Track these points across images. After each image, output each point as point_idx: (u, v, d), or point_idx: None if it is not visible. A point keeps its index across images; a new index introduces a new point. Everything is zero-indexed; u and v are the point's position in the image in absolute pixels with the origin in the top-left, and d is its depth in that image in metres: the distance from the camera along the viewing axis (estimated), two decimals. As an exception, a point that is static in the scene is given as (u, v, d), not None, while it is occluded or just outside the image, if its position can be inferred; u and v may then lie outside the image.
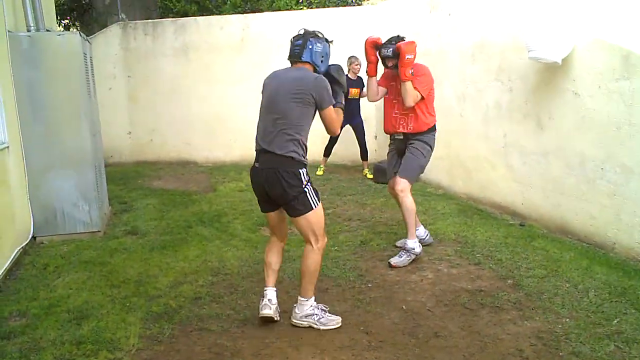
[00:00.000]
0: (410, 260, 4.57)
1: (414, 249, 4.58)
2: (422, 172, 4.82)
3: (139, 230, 5.82)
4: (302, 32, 3.37)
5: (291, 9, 10.73)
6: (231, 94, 9.52)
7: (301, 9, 10.88)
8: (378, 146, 9.05)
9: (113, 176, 8.81)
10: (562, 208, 5.13)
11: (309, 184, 3.26)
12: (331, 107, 3.26)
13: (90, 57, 6.20)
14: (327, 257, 4.58)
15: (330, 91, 3.25)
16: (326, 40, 3.39)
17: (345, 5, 9.59)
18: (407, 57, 4.29)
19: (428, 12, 7.15)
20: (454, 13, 6.60)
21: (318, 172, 8.42)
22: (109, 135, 9.73)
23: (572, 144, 4.94)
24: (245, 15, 9.46)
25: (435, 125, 4.69)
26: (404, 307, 3.82)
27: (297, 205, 3.25)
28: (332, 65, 3.47)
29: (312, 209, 3.27)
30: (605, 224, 4.65)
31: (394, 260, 4.55)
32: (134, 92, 9.92)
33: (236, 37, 9.40)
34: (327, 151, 8.40)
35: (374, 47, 4.56)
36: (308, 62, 3.31)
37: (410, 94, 4.40)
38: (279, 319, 3.55)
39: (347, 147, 8.65)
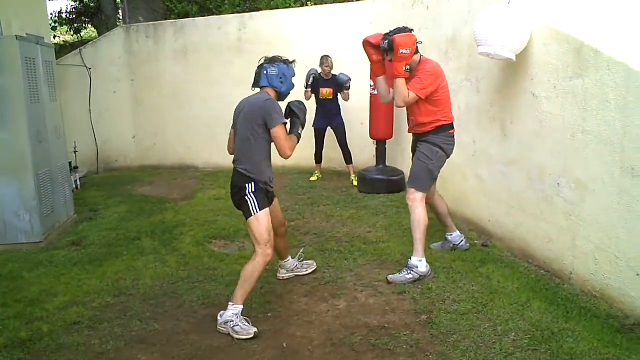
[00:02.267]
0: (412, 279, 4.08)
1: (416, 267, 4.11)
2: (433, 177, 4.32)
3: (84, 241, 5.60)
4: (261, 60, 3.70)
5: (289, 6, 10.27)
6: (230, 95, 9.09)
7: (299, 6, 10.39)
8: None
9: (106, 181, 8.76)
10: (522, 227, 4.42)
11: (251, 194, 3.57)
12: (279, 126, 3.50)
13: (49, 61, 6.00)
14: None
15: (279, 112, 3.52)
16: (284, 61, 3.68)
17: (343, 2, 8.99)
18: (401, 51, 3.92)
19: (411, 5, 6.50)
20: (431, 5, 5.94)
21: (311, 178, 7.96)
22: (114, 138, 9.74)
23: (532, 153, 4.24)
24: (241, 14, 9.11)
25: (447, 124, 4.24)
26: (284, 344, 3.32)
27: (242, 209, 3.63)
28: (295, 101, 3.84)
29: (251, 214, 3.55)
30: (563, 250, 3.93)
31: (391, 276, 4.13)
32: (137, 95, 9.81)
33: (233, 36, 9.08)
34: (316, 157, 7.91)
35: (371, 45, 4.23)
36: (267, 86, 3.64)
37: (400, 93, 4.07)
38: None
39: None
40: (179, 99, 9.54)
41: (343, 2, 8.82)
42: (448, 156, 4.29)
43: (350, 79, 7.25)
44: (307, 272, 4.39)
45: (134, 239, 5.58)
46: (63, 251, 5.26)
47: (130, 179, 8.91)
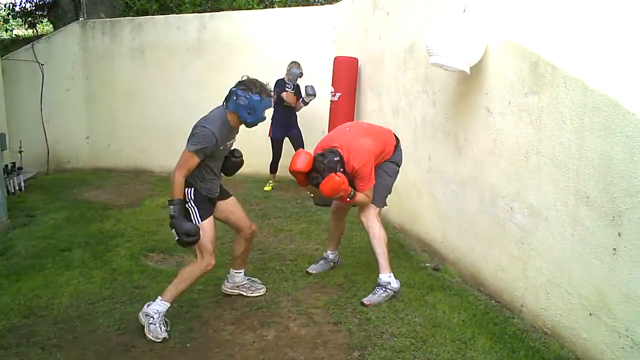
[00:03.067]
0: (388, 297, 3.86)
1: (389, 283, 3.89)
2: (388, 193, 4.13)
3: (9, 251, 5.15)
4: (244, 78, 3.47)
5: (252, 8, 9.89)
6: (187, 98, 8.76)
7: (262, 8, 10.03)
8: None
9: (53, 183, 8.29)
10: (475, 253, 4.11)
11: (192, 202, 3.42)
12: (187, 152, 3.33)
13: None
14: (179, 299, 3.75)
15: (197, 141, 3.32)
16: (259, 92, 3.38)
17: (307, 5, 8.66)
18: (336, 195, 3.78)
19: (372, 11, 6.19)
20: (391, 11, 5.63)
21: (266, 188, 7.59)
22: (67, 139, 9.29)
23: (485, 173, 3.93)
24: (202, 14, 8.72)
25: (396, 146, 4.16)
26: (197, 384, 2.93)
27: (187, 218, 3.40)
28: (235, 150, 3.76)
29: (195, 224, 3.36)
30: (514, 280, 3.62)
31: (367, 299, 3.84)
32: (92, 94, 9.37)
33: (192, 37, 8.68)
34: (272, 167, 7.54)
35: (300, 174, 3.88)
36: (232, 111, 3.40)
37: (365, 203, 3.97)
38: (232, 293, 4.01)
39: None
40: (135, 100, 9.11)
41: (307, 6, 8.46)
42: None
43: (315, 95, 6.92)
44: (252, 295, 4.03)
45: (64, 250, 5.16)
46: (-18, 262, 4.81)
47: (79, 182, 8.45)
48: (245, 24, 8.44)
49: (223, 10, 9.75)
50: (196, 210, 3.43)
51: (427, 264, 4.57)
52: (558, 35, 3.11)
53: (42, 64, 9.10)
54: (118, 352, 3.28)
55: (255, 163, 7.93)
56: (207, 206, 3.52)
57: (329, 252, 4.51)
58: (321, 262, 4.49)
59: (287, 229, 5.74)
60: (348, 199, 3.80)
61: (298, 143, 7.27)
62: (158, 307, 3.39)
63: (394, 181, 4.13)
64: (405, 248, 5.06)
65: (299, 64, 7.08)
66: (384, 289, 3.86)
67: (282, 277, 4.40)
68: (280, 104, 7.08)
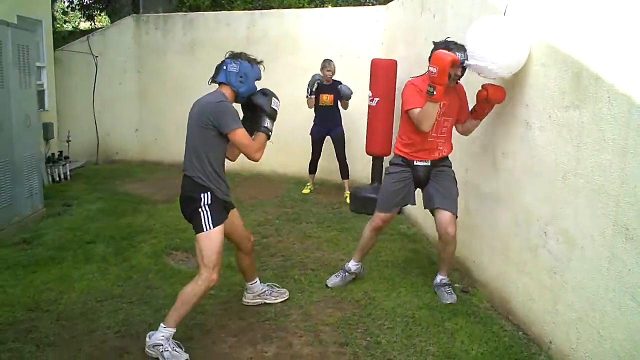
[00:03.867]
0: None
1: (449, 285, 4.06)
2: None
3: (36, 240, 5.20)
4: (227, 54, 3.29)
5: (303, 6, 9.71)
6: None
7: (313, 7, 9.82)
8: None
9: (98, 174, 8.41)
10: (505, 277, 3.76)
11: (207, 206, 3.14)
12: (238, 130, 3.10)
13: (24, 45, 5.62)
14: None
15: (234, 116, 3.11)
16: (249, 60, 3.26)
17: (358, 5, 8.39)
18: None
19: (419, 13, 5.87)
20: (437, 13, 5.31)
21: (304, 191, 7.40)
22: (117, 131, 9.43)
23: (521, 192, 3.59)
24: (252, 11, 8.62)
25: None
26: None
27: (194, 223, 3.18)
28: (260, 90, 3.35)
29: (203, 230, 3.12)
30: (543, 313, 3.27)
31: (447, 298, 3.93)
32: (143, 88, 9.45)
33: (241, 34, 8.59)
34: (311, 166, 7.34)
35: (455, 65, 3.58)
36: (224, 83, 3.21)
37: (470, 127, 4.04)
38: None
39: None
40: (184, 95, 9.00)
41: (357, 5, 8.19)
42: None
43: (352, 93, 6.66)
44: (276, 301, 3.89)
45: (89, 243, 5.15)
46: (6, 250, 4.86)
47: (123, 174, 8.53)
48: (295, 22, 8.28)
49: (273, 8, 9.61)
50: (209, 214, 3.14)
51: (456, 285, 4.24)
52: (604, 43, 2.75)
53: (97, 56, 9.26)
54: (111, 356, 3.16)
55: (299, 164, 7.80)
56: (221, 212, 3.24)
57: (352, 262, 4.26)
58: (340, 274, 4.23)
59: (315, 236, 5.52)
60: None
61: (338, 144, 7.04)
62: (162, 334, 3.09)
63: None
64: (435, 265, 4.73)
65: (326, 63, 6.80)
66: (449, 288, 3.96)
67: (299, 287, 4.19)
68: (317, 103, 6.89)
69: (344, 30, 7.97)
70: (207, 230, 3.11)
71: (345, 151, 7.10)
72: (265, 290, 3.86)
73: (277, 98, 3.35)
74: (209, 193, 3.15)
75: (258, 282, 3.84)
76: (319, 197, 7.21)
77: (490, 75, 3.53)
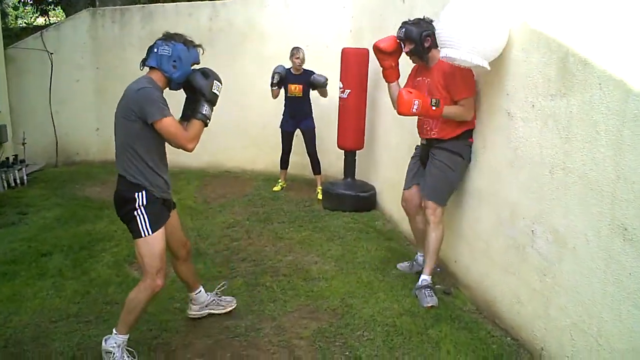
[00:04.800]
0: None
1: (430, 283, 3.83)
2: (452, 191, 3.84)
3: (-13, 254, 4.78)
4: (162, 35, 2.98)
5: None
6: (198, 90, 8.30)
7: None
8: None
9: (57, 177, 7.97)
10: (490, 279, 3.54)
11: (142, 208, 2.84)
12: (164, 120, 2.77)
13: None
14: (150, 320, 3.44)
15: (157, 103, 2.77)
16: (185, 42, 2.94)
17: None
18: (412, 111, 3.60)
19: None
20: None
21: (275, 188, 7.08)
22: (76, 130, 8.98)
23: (504, 187, 3.36)
24: (214, 1, 8.23)
25: (470, 130, 3.71)
26: None
27: (130, 227, 2.91)
28: (198, 70, 2.97)
29: (140, 236, 2.85)
30: (534, 317, 3.05)
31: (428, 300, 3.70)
32: (102, 84, 8.97)
33: (203, 25, 8.22)
34: (282, 162, 7.03)
35: (380, 51, 3.95)
36: (155, 68, 2.91)
37: (460, 114, 3.63)
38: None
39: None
40: (145, 91, 8.70)
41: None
42: (467, 165, 3.78)
43: (327, 80, 6.37)
44: (224, 311, 3.60)
45: (45, 255, 4.78)
46: (-50, 268, 4.45)
47: (84, 176, 8.10)
48: (259, 11, 7.93)
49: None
50: (145, 217, 2.85)
51: (437, 286, 4.00)
52: (592, 24, 2.51)
53: (51, 53, 8.76)
54: (63, 388, 2.84)
55: (269, 159, 7.49)
56: (160, 212, 2.95)
57: (419, 254, 4.25)
58: (408, 264, 4.29)
59: (287, 237, 5.23)
60: (432, 107, 3.48)
61: (308, 139, 6.75)
62: (114, 340, 2.93)
63: (459, 177, 3.81)
64: (414, 264, 4.50)
65: (295, 50, 6.54)
66: (429, 290, 3.76)
67: (271, 296, 3.91)
68: (285, 94, 6.63)
69: (310, 19, 7.66)
70: (144, 235, 2.86)
71: (316, 145, 6.79)
72: (212, 300, 3.57)
73: (219, 80, 2.98)
74: (143, 192, 2.86)
75: (202, 291, 3.51)
76: (291, 194, 6.92)
77: (465, 64, 3.27)
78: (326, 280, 4.16)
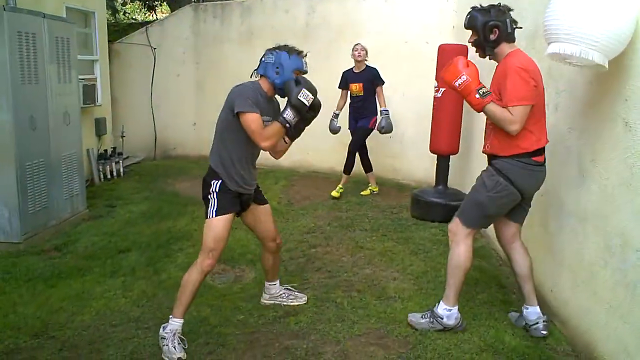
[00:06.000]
0: (434, 329, 3.28)
1: (442, 317, 3.27)
2: (485, 213, 3.19)
3: (68, 247, 4.92)
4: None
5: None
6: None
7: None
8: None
9: (152, 171, 8.15)
10: (591, 317, 2.99)
11: (215, 194, 3.10)
12: (248, 114, 2.94)
13: (63, 37, 5.30)
14: (208, 332, 3.30)
15: (246, 99, 2.98)
16: (288, 50, 3.10)
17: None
18: (453, 83, 3.09)
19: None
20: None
21: (362, 193, 6.72)
22: (175, 125, 9.18)
23: (615, 211, 2.80)
24: (310, -3, 8.02)
25: (527, 153, 3.04)
26: None
27: (205, 207, 3.16)
28: (296, 77, 3.08)
29: (206, 217, 3.11)
30: (645, 373, 2.48)
31: (411, 317, 3.41)
32: (201, 80, 9.08)
33: (301, 21, 8.03)
34: (362, 165, 6.66)
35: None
36: (262, 75, 3.14)
37: (502, 119, 2.98)
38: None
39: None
40: (241, 87, 8.68)
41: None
42: (524, 192, 3.13)
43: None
44: (292, 304, 3.72)
45: (122, 251, 4.79)
46: (34, 258, 4.55)
47: (178, 171, 8.21)
48: (356, 6, 7.62)
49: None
50: (215, 203, 3.08)
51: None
52: None
53: (155, 48, 8.98)
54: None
55: (359, 162, 7.16)
56: (229, 202, 3.13)
57: (524, 307, 3.38)
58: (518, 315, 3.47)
59: (368, 247, 4.88)
60: (477, 94, 2.98)
61: (355, 135, 6.45)
62: (170, 327, 3.09)
63: (503, 204, 3.15)
64: (506, 289, 3.99)
65: (354, 47, 6.33)
66: (432, 320, 3.30)
67: (340, 315, 3.58)
68: (350, 94, 6.47)
69: (410, 14, 7.23)
70: (209, 217, 3.09)
71: (364, 145, 6.56)
72: (282, 293, 3.75)
73: (310, 90, 3.02)
74: (220, 181, 3.11)
75: (277, 284, 3.75)
76: (378, 199, 6.55)
77: (579, 62, 2.75)
78: (402, 301, 3.76)
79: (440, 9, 6.98)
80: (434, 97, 5.61)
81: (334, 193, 6.48)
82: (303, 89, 2.98)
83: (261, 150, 3.18)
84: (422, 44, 7.01)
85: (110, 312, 3.63)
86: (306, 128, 3.28)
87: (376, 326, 3.43)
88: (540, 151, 3.06)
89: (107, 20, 8.84)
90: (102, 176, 7.34)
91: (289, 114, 3.03)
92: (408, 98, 7.10)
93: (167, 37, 9.08)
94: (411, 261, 4.51)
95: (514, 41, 3.08)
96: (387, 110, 6.21)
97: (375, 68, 6.26)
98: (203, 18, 8.92)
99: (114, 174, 7.58)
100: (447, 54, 5.45)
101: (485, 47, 3.10)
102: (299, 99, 2.98)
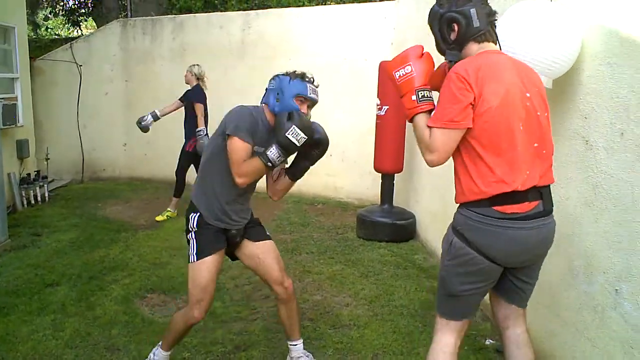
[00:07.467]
0: None
1: None
2: (445, 292, 2.26)
3: (-13, 282, 4.39)
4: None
5: (303, 5, 8.89)
6: (230, 105, 7.81)
7: (314, 5, 9.00)
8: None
9: (80, 194, 7.66)
10: (557, 341, 2.93)
11: (193, 232, 2.75)
12: (235, 139, 2.58)
13: None
14: None
15: (238, 123, 2.62)
16: (291, 74, 2.69)
17: (363, 2, 7.58)
18: (393, 73, 2.34)
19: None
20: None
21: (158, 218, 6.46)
22: (104, 146, 8.71)
23: (578, 232, 2.73)
24: (247, 12, 7.82)
25: (484, 200, 2.08)
26: None
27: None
28: (289, 112, 2.63)
29: (189, 261, 2.75)
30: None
31: None
32: (131, 98, 8.67)
33: (236, 38, 7.81)
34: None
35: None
36: (265, 103, 2.74)
37: (420, 141, 2.20)
38: None
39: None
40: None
41: (363, 2, 7.38)
42: (492, 257, 2.11)
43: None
44: None
45: (50, 285, 4.39)
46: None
47: (108, 194, 7.75)
48: (294, 22, 7.49)
49: (270, 7, 8.82)
50: (194, 243, 2.73)
51: (488, 342, 3.40)
52: None
53: (80, 65, 8.50)
54: None
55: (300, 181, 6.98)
56: (210, 240, 2.74)
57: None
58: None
59: (316, 271, 4.69)
60: (413, 97, 2.19)
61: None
62: (157, 356, 2.95)
63: (465, 276, 2.18)
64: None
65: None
66: None
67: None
68: None
69: (349, 30, 7.16)
70: (190, 261, 2.74)
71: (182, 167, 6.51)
72: (300, 358, 3.05)
73: (303, 130, 2.56)
74: (197, 214, 2.75)
75: (299, 345, 3.05)
76: (322, 220, 6.39)
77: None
78: (358, 329, 3.59)
79: (379, 26, 6.95)
80: (377, 115, 5.52)
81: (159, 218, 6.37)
82: (294, 127, 2.53)
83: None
84: (361, 61, 6.95)
85: (39, 357, 3.27)
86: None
87: (334, 359, 3.23)
88: (508, 198, 2.05)
89: (28, 36, 8.31)
90: (25, 202, 6.81)
91: (273, 152, 2.57)
92: (349, 115, 7.01)
93: (93, 54, 8.64)
94: (362, 285, 4.35)
95: (492, 41, 2.23)
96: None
97: (200, 87, 6.23)
98: (132, 34, 8.56)
99: (39, 199, 7.06)
100: (388, 71, 5.39)
101: (444, 50, 2.28)
102: (286, 137, 2.54)
